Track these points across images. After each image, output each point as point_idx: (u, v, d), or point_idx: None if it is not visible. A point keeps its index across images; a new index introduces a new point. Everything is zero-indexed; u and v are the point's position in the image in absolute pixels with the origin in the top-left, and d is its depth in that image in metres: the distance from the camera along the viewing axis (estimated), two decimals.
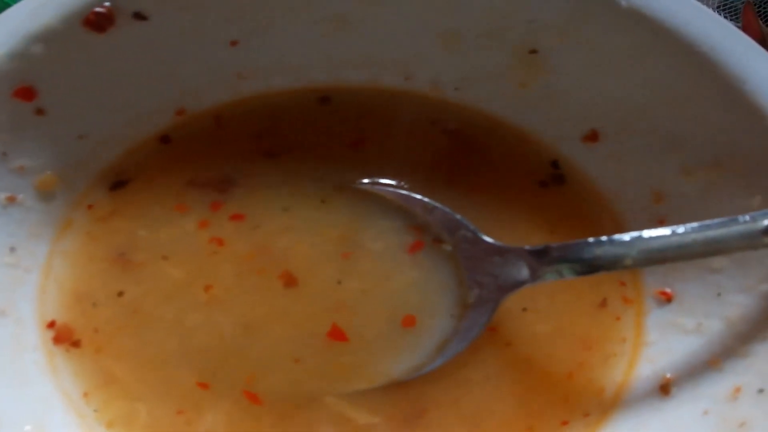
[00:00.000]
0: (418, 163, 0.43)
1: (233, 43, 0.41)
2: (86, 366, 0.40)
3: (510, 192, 0.43)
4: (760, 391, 0.36)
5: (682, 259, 0.36)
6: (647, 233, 0.35)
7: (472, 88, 0.43)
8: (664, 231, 0.35)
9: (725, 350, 0.38)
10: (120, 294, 0.41)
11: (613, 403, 0.40)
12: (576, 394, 0.40)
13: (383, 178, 0.43)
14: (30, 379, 0.39)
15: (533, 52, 0.41)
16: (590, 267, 0.36)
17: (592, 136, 0.42)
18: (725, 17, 0.64)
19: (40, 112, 0.39)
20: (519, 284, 0.38)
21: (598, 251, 0.36)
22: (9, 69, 0.37)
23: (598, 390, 0.40)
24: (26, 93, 0.38)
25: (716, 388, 0.38)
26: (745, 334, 0.38)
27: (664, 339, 0.40)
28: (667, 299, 0.41)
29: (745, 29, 0.60)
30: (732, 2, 0.63)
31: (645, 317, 0.41)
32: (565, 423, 0.40)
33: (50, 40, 0.38)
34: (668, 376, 0.39)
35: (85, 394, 0.40)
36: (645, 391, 0.40)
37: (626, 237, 0.36)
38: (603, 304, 0.41)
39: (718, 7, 0.64)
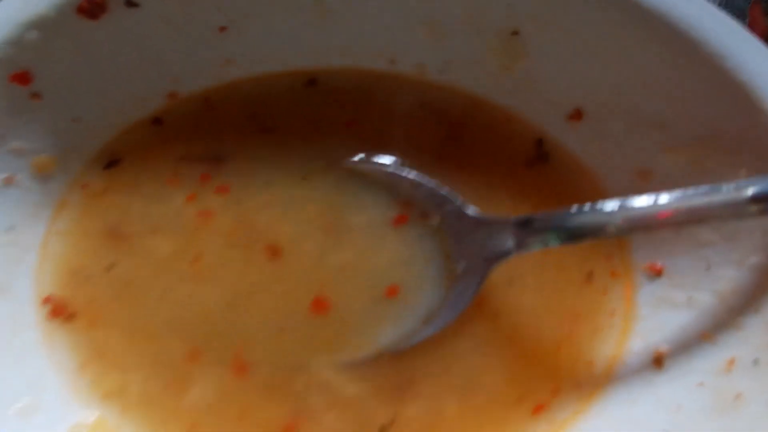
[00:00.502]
0: (405, 143, 0.44)
1: (222, 29, 0.42)
2: (80, 339, 0.41)
3: (496, 170, 0.43)
4: (755, 362, 0.36)
5: (665, 227, 0.36)
6: (630, 201, 0.36)
7: (457, 70, 0.44)
8: (646, 199, 0.35)
9: (717, 323, 0.38)
10: (112, 267, 0.42)
11: (605, 377, 0.40)
12: (566, 366, 0.40)
13: (370, 156, 0.44)
14: (26, 355, 0.40)
15: (514, 33, 0.41)
16: (574, 235, 0.36)
17: (576, 115, 0.43)
18: (728, 13, 0.64)
19: (35, 96, 0.40)
20: (505, 254, 0.38)
21: (582, 219, 0.36)
22: (5, 55, 0.39)
23: (588, 363, 0.40)
24: (22, 78, 0.40)
25: (710, 360, 0.38)
26: (736, 306, 0.38)
27: (655, 313, 0.40)
28: (657, 273, 0.41)
29: (751, 26, 0.60)
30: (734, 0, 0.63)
31: (635, 291, 0.41)
32: (555, 392, 0.40)
33: (45, 27, 0.39)
34: (661, 349, 0.39)
35: (80, 367, 0.41)
36: (638, 364, 0.40)
37: (609, 205, 0.36)
38: (589, 277, 0.41)
39: (720, 4, 0.64)
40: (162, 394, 0.40)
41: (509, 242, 0.38)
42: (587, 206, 0.36)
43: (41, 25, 0.39)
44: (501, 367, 0.40)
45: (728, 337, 0.37)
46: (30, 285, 0.41)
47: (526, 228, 0.38)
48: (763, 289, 0.37)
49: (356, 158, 0.44)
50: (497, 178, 0.43)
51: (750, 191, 0.34)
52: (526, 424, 0.40)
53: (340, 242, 0.42)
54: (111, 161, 0.43)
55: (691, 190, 0.35)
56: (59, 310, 0.41)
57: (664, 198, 0.35)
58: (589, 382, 0.40)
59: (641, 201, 0.35)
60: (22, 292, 0.41)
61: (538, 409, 0.40)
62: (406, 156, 0.44)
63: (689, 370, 0.38)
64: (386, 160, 0.44)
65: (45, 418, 0.39)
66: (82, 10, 0.39)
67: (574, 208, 0.37)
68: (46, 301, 0.41)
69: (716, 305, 0.38)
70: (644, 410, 0.38)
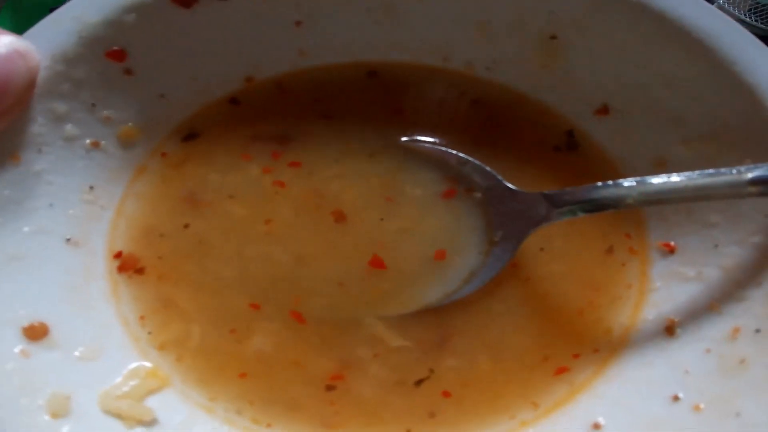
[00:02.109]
0: (451, 128, 0.49)
1: (298, 24, 0.48)
2: (147, 291, 0.45)
3: (529, 155, 0.49)
4: (757, 331, 0.41)
5: (675, 201, 0.41)
6: (646, 178, 0.41)
7: (501, 68, 0.50)
8: (660, 177, 0.41)
9: (723, 295, 0.43)
10: (186, 226, 0.47)
11: (621, 342, 0.45)
12: (587, 330, 0.45)
13: (423, 137, 0.49)
14: (92, 305, 0.44)
15: (553, 38, 0.47)
16: (598, 205, 0.42)
17: (604, 110, 0.48)
18: (755, 20, 0.70)
19: (128, 72, 0.45)
20: (538, 222, 0.44)
21: (604, 192, 0.42)
22: (104, 33, 0.43)
23: (606, 329, 0.45)
24: (118, 55, 0.44)
25: (717, 329, 0.42)
26: (741, 280, 0.43)
27: (667, 286, 0.45)
28: (670, 251, 0.46)
29: None
30: (764, 6, 0.69)
31: (650, 267, 0.46)
32: (576, 356, 0.44)
33: (141, 11, 0.44)
34: (673, 318, 0.44)
35: (142, 318, 0.45)
36: (651, 332, 0.44)
37: (628, 181, 0.41)
38: (610, 251, 0.47)
39: (749, 10, 0.69)
40: (218, 343, 0.45)
41: (541, 212, 0.44)
42: (609, 182, 0.42)
43: (139, 9, 0.44)
44: (528, 329, 0.45)
45: (733, 308, 0.42)
46: (104, 240, 0.46)
47: (556, 200, 0.43)
48: (765, 265, 0.42)
49: (409, 138, 0.49)
50: (530, 161, 0.49)
51: (750, 175, 0.39)
52: (548, 384, 0.44)
53: (398, 210, 0.47)
54: (189, 134, 0.49)
55: (698, 171, 0.40)
56: (129, 265, 0.46)
57: (675, 177, 0.41)
58: (607, 347, 0.45)
59: (655, 179, 0.41)
60: (97, 246, 0.46)
61: (560, 371, 0.44)
62: (450, 140, 0.49)
63: (698, 337, 0.43)
64: (435, 140, 0.49)
65: (104, 364, 0.43)
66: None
67: (599, 183, 0.42)
68: (118, 255, 0.46)
69: (723, 279, 0.43)
70: (657, 373, 0.43)
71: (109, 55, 0.44)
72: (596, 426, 0.42)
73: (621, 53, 0.46)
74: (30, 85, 0.41)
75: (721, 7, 0.72)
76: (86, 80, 0.44)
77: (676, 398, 0.41)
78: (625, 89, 0.47)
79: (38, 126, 0.43)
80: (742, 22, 0.45)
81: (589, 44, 0.46)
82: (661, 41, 0.44)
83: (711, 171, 0.40)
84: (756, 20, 0.71)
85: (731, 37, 0.42)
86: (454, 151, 0.48)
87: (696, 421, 0.40)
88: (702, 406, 0.40)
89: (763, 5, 0.70)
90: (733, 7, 0.71)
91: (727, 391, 0.40)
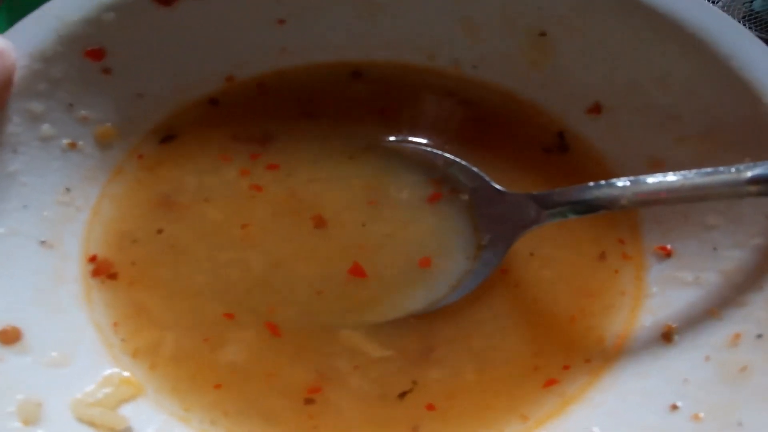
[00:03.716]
0: (437, 129, 0.48)
1: (280, 22, 0.47)
2: (119, 297, 0.44)
3: (519, 156, 0.47)
4: (759, 336, 0.39)
5: (672, 202, 0.39)
6: (641, 178, 0.39)
7: (489, 66, 0.48)
8: (656, 177, 0.39)
9: (723, 300, 0.41)
10: (159, 231, 0.45)
11: (615, 351, 0.42)
12: (578, 339, 0.43)
13: (407, 138, 0.48)
14: (65, 309, 0.43)
15: (542, 35, 0.46)
16: (590, 207, 0.40)
17: (596, 109, 0.47)
18: (750, 27, 0.69)
19: (106, 71, 0.44)
20: (527, 225, 0.42)
21: (597, 192, 0.40)
22: (82, 32, 0.43)
23: (599, 338, 0.43)
24: (96, 54, 0.43)
25: (717, 335, 0.40)
26: (741, 284, 0.41)
27: (664, 291, 0.43)
28: (667, 255, 0.44)
29: None
30: (758, 13, 0.68)
31: (645, 272, 0.44)
32: (567, 367, 0.42)
33: (121, 10, 0.43)
34: (670, 325, 0.42)
35: (115, 324, 0.43)
36: (648, 339, 0.42)
37: (622, 181, 0.39)
38: (602, 257, 0.45)
39: (743, 17, 0.69)
40: (195, 351, 0.43)
41: (530, 214, 0.42)
42: (602, 182, 0.40)
43: (119, 7, 0.43)
44: (518, 336, 0.43)
45: (733, 314, 0.40)
46: (78, 243, 0.45)
47: (546, 201, 0.41)
48: (766, 269, 0.40)
49: (394, 138, 0.47)
50: (520, 164, 0.47)
51: (749, 173, 0.38)
52: (539, 395, 0.42)
53: (381, 215, 0.45)
54: (167, 136, 0.47)
55: (695, 170, 0.39)
56: (102, 269, 0.44)
57: (671, 176, 0.39)
58: (600, 356, 0.43)
59: (650, 178, 0.39)
60: (70, 249, 0.44)
61: (550, 383, 0.42)
62: (437, 140, 0.47)
63: (697, 344, 0.41)
64: (421, 141, 0.48)
65: (75, 370, 0.41)
66: None
67: (591, 183, 0.40)
68: (92, 260, 0.45)
69: (722, 284, 0.41)
70: (654, 383, 0.41)
71: (87, 54, 0.43)
72: None
73: (613, 50, 0.44)
74: (7, 84, 0.40)
75: None
76: (64, 79, 0.43)
77: (674, 407, 0.39)
78: (617, 87, 0.45)
79: (14, 126, 0.41)
80: None
81: (579, 41, 0.45)
82: (654, 37, 0.43)
83: (709, 170, 0.38)
84: (750, 27, 0.71)
85: (726, 32, 0.41)
86: (440, 152, 0.47)
87: (696, 431, 0.37)
88: (702, 415, 0.38)
89: (758, 12, 0.70)
90: (728, 14, 0.70)
91: (728, 399, 0.38)
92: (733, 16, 0.69)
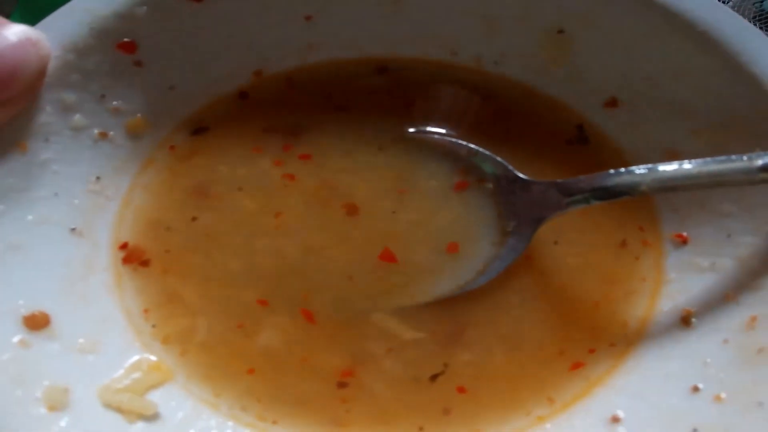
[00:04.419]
0: (460, 122, 0.49)
1: (308, 18, 0.48)
2: (151, 284, 0.45)
3: (539, 148, 0.48)
4: None
5: (688, 188, 0.41)
6: (659, 165, 0.41)
7: (509, 62, 0.50)
8: (673, 164, 0.41)
9: (739, 285, 0.43)
10: (194, 219, 0.46)
11: (637, 335, 0.44)
12: (602, 324, 0.44)
13: (433, 129, 0.49)
14: (94, 296, 0.43)
15: (561, 32, 0.47)
16: (612, 193, 0.42)
17: (613, 103, 0.48)
18: (761, 27, 0.71)
19: (138, 63, 0.45)
20: (552, 211, 0.43)
21: (618, 180, 0.41)
22: (115, 25, 0.43)
23: (622, 323, 0.45)
24: (128, 47, 0.44)
25: (734, 319, 0.42)
26: (756, 269, 0.42)
27: (682, 277, 0.45)
28: (684, 242, 0.46)
29: None
30: None
31: (664, 258, 0.46)
32: (592, 351, 0.44)
33: (152, 4, 0.44)
34: (689, 309, 0.43)
35: (146, 311, 0.44)
36: (667, 323, 0.44)
37: (641, 168, 0.41)
38: (623, 244, 0.46)
39: (754, 17, 0.71)
40: (225, 338, 0.43)
41: (554, 200, 0.43)
42: (623, 169, 0.42)
43: (150, 2, 0.44)
44: (544, 321, 0.44)
45: (749, 298, 0.42)
46: (108, 231, 0.45)
47: (568, 188, 0.43)
48: None
49: (420, 130, 0.49)
50: (541, 155, 0.48)
51: (760, 161, 0.40)
52: (564, 378, 0.43)
53: (410, 203, 0.47)
54: (198, 128, 0.48)
55: (710, 158, 0.40)
56: (134, 257, 0.45)
57: (687, 164, 0.41)
58: (623, 340, 0.44)
59: (668, 166, 0.41)
60: (100, 237, 0.45)
61: (576, 366, 0.44)
62: (459, 133, 0.49)
63: (715, 328, 0.42)
64: (445, 132, 0.49)
65: (103, 357, 0.41)
66: None
67: (612, 170, 0.42)
68: (123, 247, 0.45)
69: (737, 269, 0.43)
70: (675, 365, 0.42)
71: (119, 46, 0.44)
72: (615, 419, 0.41)
73: (628, 46, 0.46)
74: (40, 73, 0.41)
75: None
76: (96, 71, 0.44)
77: (695, 389, 0.40)
78: (633, 82, 0.47)
79: (46, 115, 0.42)
80: None
81: (596, 38, 0.47)
82: (667, 34, 0.44)
83: (722, 158, 0.40)
84: (762, 27, 0.73)
85: (735, 29, 0.43)
86: (464, 143, 0.48)
87: (718, 412, 0.39)
88: (723, 396, 0.39)
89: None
90: (739, 14, 0.73)
91: (748, 381, 0.39)
92: (744, 16, 0.72)
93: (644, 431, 0.40)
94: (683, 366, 0.42)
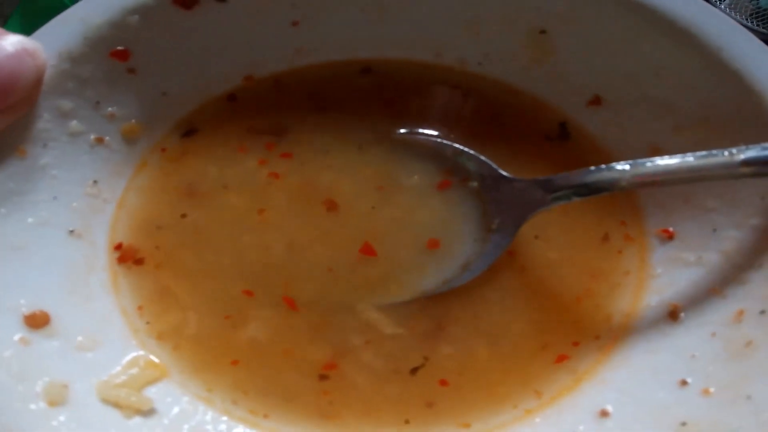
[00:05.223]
0: (445, 121, 0.50)
1: (294, 24, 0.49)
2: (145, 281, 0.46)
3: (523, 147, 0.49)
4: (762, 312, 0.40)
5: (669, 183, 0.41)
6: (639, 161, 0.41)
7: (493, 63, 0.50)
8: (653, 159, 0.41)
9: (725, 279, 0.43)
10: (183, 216, 0.47)
11: (623, 329, 0.44)
12: (586, 318, 0.45)
13: (416, 129, 0.50)
14: (92, 295, 0.45)
15: (543, 32, 0.48)
16: (592, 189, 0.42)
17: (596, 101, 0.49)
18: (757, 25, 0.71)
19: (131, 71, 0.47)
20: (535, 208, 0.44)
21: (598, 176, 0.42)
22: (108, 34, 0.45)
23: (606, 316, 0.45)
24: (121, 54, 0.46)
25: (721, 313, 0.42)
26: (741, 263, 0.42)
27: (668, 272, 0.45)
28: (669, 237, 0.46)
29: None
30: (765, 11, 0.70)
31: (649, 253, 0.46)
32: (576, 344, 0.44)
33: (144, 13, 0.45)
34: (676, 304, 0.43)
35: (140, 308, 0.45)
36: (655, 318, 0.44)
37: (622, 164, 0.41)
38: (605, 238, 0.46)
39: (750, 15, 0.70)
40: (218, 328, 0.45)
41: (537, 198, 0.44)
42: (603, 166, 0.42)
43: (142, 10, 0.45)
44: (526, 317, 0.45)
45: (736, 291, 0.42)
46: (105, 232, 0.47)
47: (551, 185, 0.43)
48: (765, 247, 0.42)
49: (404, 130, 0.50)
50: (525, 154, 0.49)
51: (742, 156, 0.40)
52: (550, 372, 0.44)
53: (390, 200, 0.48)
54: (189, 130, 0.50)
55: (691, 153, 0.40)
56: (128, 256, 0.47)
57: (668, 159, 0.41)
58: (608, 334, 0.44)
59: (648, 162, 0.41)
60: (98, 238, 0.47)
61: (561, 359, 0.44)
62: (444, 132, 0.50)
63: (702, 322, 0.42)
64: (430, 132, 0.50)
65: (101, 354, 0.43)
66: (177, 1, 0.46)
67: (592, 167, 0.42)
68: (118, 247, 0.47)
69: (723, 263, 0.43)
70: (663, 359, 0.42)
71: (113, 54, 0.46)
72: (604, 413, 0.41)
73: (610, 45, 0.46)
74: (37, 82, 0.43)
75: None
76: (91, 79, 0.45)
77: (683, 383, 0.40)
78: (615, 80, 0.47)
79: (44, 122, 0.44)
80: (744, 26, 0.47)
81: (578, 37, 0.47)
82: (648, 32, 0.45)
83: (704, 153, 0.40)
84: (758, 25, 0.72)
85: (716, 26, 0.43)
86: (449, 142, 0.49)
87: (707, 405, 0.39)
88: (711, 390, 0.39)
89: (765, 10, 0.72)
90: (735, 12, 0.72)
91: (736, 374, 0.39)
92: (740, 14, 0.72)
93: (633, 425, 0.40)
94: (671, 360, 0.42)
